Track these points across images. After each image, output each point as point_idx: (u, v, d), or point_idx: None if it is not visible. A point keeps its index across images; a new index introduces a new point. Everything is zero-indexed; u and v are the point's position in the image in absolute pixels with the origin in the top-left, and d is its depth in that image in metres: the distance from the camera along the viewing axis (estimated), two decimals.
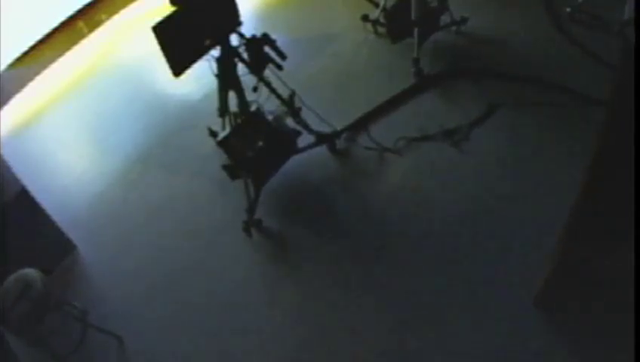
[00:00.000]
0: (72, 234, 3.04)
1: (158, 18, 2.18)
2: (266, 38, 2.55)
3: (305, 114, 2.94)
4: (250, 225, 2.68)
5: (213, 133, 3.16)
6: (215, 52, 2.50)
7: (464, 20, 3.34)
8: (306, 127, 2.90)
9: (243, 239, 2.69)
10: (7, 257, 2.48)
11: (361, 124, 3.05)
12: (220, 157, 2.87)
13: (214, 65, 2.55)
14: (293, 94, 2.95)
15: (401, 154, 2.83)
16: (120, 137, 3.81)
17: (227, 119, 2.79)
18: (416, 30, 3.16)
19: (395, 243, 2.44)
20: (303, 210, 2.78)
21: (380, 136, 2.93)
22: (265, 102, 2.73)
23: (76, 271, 2.94)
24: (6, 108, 4.55)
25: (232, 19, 2.49)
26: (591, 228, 1.64)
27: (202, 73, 2.63)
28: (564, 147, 2.53)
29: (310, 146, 2.89)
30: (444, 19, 3.32)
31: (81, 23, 4.98)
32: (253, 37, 2.55)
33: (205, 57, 2.47)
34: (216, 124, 2.98)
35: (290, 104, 2.89)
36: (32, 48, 4.67)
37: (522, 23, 3.31)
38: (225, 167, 2.78)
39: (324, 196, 2.80)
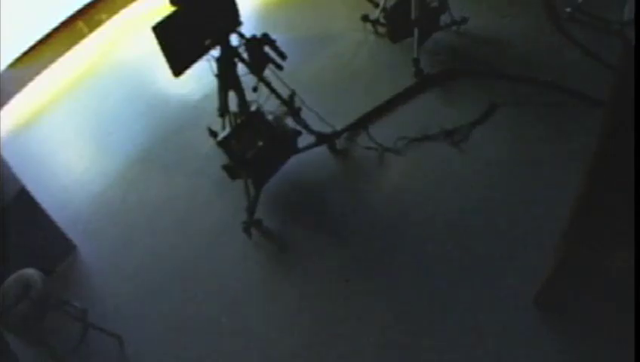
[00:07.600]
0: (72, 234, 3.04)
1: (158, 18, 2.18)
2: (266, 38, 2.55)
3: (305, 114, 2.94)
4: (250, 225, 2.67)
5: (213, 133, 3.16)
6: (215, 52, 2.50)
7: (464, 20, 3.34)
8: (306, 127, 2.90)
9: (243, 239, 2.69)
10: (7, 257, 2.48)
11: (361, 124, 3.05)
12: (220, 158, 2.87)
13: (214, 65, 2.55)
14: (293, 94, 2.95)
15: (401, 154, 2.83)
16: (120, 137, 3.81)
17: (227, 119, 2.79)
18: (416, 30, 3.16)
19: (395, 243, 2.44)
20: (303, 210, 2.78)
21: (379, 136, 2.93)
22: (265, 102, 2.73)
23: (76, 271, 2.94)
24: (6, 108, 4.55)
25: (232, 19, 2.49)
26: (591, 228, 1.64)
27: (202, 73, 2.63)
28: (564, 147, 2.52)
29: (310, 146, 2.88)
30: (444, 19, 3.32)
31: (81, 23, 4.98)
32: (253, 37, 2.55)
33: (205, 57, 2.47)
34: (216, 124, 2.98)
35: (290, 104, 2.89)
36: (32, 48, 4.67)
37: (522, 23, 3.31)
38: (225, 167, 2.78)
39: (324, 196, 2.80)
